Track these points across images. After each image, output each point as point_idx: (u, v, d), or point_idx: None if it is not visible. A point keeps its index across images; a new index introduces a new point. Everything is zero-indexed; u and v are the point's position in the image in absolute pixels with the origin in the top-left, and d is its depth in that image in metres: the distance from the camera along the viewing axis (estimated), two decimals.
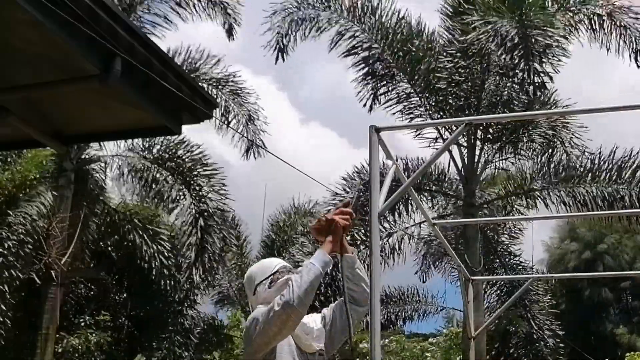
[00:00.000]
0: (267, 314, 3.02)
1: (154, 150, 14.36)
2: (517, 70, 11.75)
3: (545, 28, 11.69)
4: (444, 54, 13.06)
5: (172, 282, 15.01)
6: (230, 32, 14.11)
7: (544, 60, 11.93)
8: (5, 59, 3.79)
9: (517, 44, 11.41)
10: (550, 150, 13.57)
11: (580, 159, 13.21)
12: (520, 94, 12.84)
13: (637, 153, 12.63)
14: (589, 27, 12.56)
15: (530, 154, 13.79)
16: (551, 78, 12.21)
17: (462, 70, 12.75)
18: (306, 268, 3.01)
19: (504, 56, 11.66)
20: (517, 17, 11.62)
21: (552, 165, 13.39)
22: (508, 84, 12.72)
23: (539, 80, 11.98)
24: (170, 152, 14.31)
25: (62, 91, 4.17)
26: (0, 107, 4.26)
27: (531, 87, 12.14)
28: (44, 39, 3.56)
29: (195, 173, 14.30)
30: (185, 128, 4.87)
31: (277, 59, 13.58)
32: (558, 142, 13.46)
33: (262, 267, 3.45)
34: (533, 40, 11.44)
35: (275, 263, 3.44)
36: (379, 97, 13.67)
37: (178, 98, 4.16)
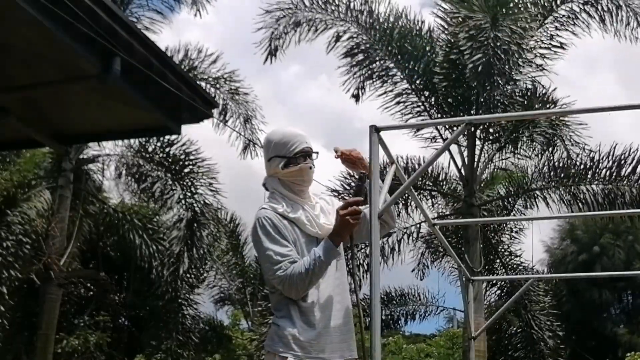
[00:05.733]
0: (267, 271, 3.09)
1: (150, 149, 14.32)
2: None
3: (516, 28, 11.67)
4: (442, 51, 13.04)
5: (170, 279, 14.97)
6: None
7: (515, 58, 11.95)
8: (5, 59, 3.78)
9: (483, 43, 11.39)
10: (550, 149, 13.54)
11: (580, 157, 13.19)
12: (517, 92, 12.84)
13: (637, 149, 12.58)
14: (599, 18, 12.58)
15: (530, 153, 13.77)
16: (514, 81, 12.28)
17: (460, 69, 12.71)
18: (314, 262, 2.99)
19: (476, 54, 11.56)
20: (490, 15, 11.61)
21: (552, 164, 13.36)
22: (506, 84, 12.69)
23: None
24: (164, 150, 14.25)
25: (62, 91, 4.17)
26: (1, 108, 4.25)
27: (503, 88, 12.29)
28: (44, 39, 3.55)
29: (188, 170, 14.27)
30: (184, 127, 4.87)
31: (265, 60, 13.58)
32: (558, 141, 13.43)
33: (283, 142, 3.23)
34: (493, 41, 11.40)
35: (296, 143, 3.22)
36: (378, 97, 13.67)
37: (178, 98, 4.15)
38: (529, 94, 13.01)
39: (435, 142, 13.49)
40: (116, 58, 3.68)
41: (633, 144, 12.49)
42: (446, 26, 13.02)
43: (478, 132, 13.04)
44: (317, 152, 3.30)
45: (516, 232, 15.61)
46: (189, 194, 14.20)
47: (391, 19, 13.33)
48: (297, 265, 3.01)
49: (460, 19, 12.02)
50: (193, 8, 14.38)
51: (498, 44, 11.36)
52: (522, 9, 12.39)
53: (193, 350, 15.25)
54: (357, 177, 3.34)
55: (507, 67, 11.73)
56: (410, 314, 17.29)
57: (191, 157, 14.31)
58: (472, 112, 12.69)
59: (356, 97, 13.68)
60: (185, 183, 14.21)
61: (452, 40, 12.49)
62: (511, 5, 12.33)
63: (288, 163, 3.21)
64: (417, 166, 13.30)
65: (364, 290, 14.29)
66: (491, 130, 13.26)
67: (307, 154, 3.24)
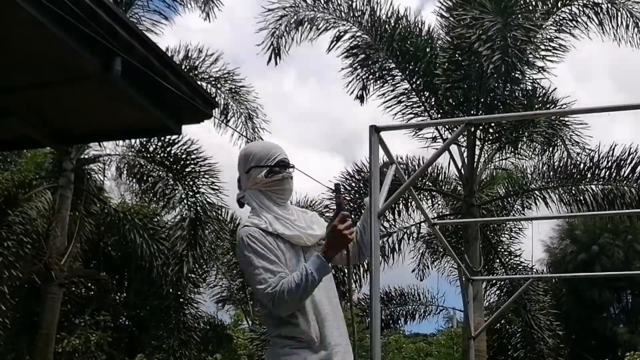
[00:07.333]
0: (257, 290, 3.01)
1: (150, 149, 14.30)
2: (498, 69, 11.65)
3: (528, 26, 11.66)
4: (443, 52, 13.04)
5: (172, 279, 14.99)
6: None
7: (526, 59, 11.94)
8: (5, 59, 3.79)
9: (500, 44, 11.36)
10: (550, 149, 13.55)
11: (580, 157, 13.20)
12: (517, 93, 12.83)
13: (637, 149, 12.58)
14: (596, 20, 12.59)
15: (530, 153, 13.78)
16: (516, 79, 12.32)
17: (461, 69, 12.72)
18: (306, 278, 2.94)
19: (494, 56, 11.55)
20: (502, 16, 11.60)
21: (552, 164, 13.36)
22: (507, 83, 12.69)
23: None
24: (165, 150, 14.22)
25: (62, 91, 4.18)
26: (1, 108, 4.26)
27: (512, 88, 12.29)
28: (44, 39, 3.56)
29: (189, 169, 14.25)
30: (185, 127, 4.89)
31: (269, 60, 13.57)
32: (559, 141, 13.44)
33: (264, 152, 3.29)
34: (512, 40, 11.38)
35: (277, 153, 3.27)
36: (378, 97, 13.67)
37: (178, 98, 4.16)
38: (528, 94, 13.01)
39: (435, 142, 13.51)
40: (117, 58, 3.69)
41: (633, 145, 12.54)
42: (450, 27, 13.00)
43: (478, 132, 13.04)
44: (294, 166, 3.33)
45: (516, 232, 15.64)
46: (191, 194, 14.19)
47: (392, 20, 13.33)
48: (287, 281, 2.96)
49: (468, 20, 11.98)
50: (204, 10, 14.33)
51: (517, 43, 11.39)
52: (530, 8, 12.40)
53: (194, 350, 15.25)
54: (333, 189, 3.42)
55: (522, 64, 11.80)
56: (410, 314, 17.31)
57: (192, 157, 14.31)
58: (472, 112, 12.68)
59: (361, 98, 13.66)
60: (187, 182, 14.21)
61: (457, 42, 12.47)
62: (517, 6, 12.33)
63: (269, 172, 3.23)
64: (417, 166, 13.32)
65: (364, 290, 14.37)
66: (491, 130, 13.26)
67: (286, 164, 3.28)
